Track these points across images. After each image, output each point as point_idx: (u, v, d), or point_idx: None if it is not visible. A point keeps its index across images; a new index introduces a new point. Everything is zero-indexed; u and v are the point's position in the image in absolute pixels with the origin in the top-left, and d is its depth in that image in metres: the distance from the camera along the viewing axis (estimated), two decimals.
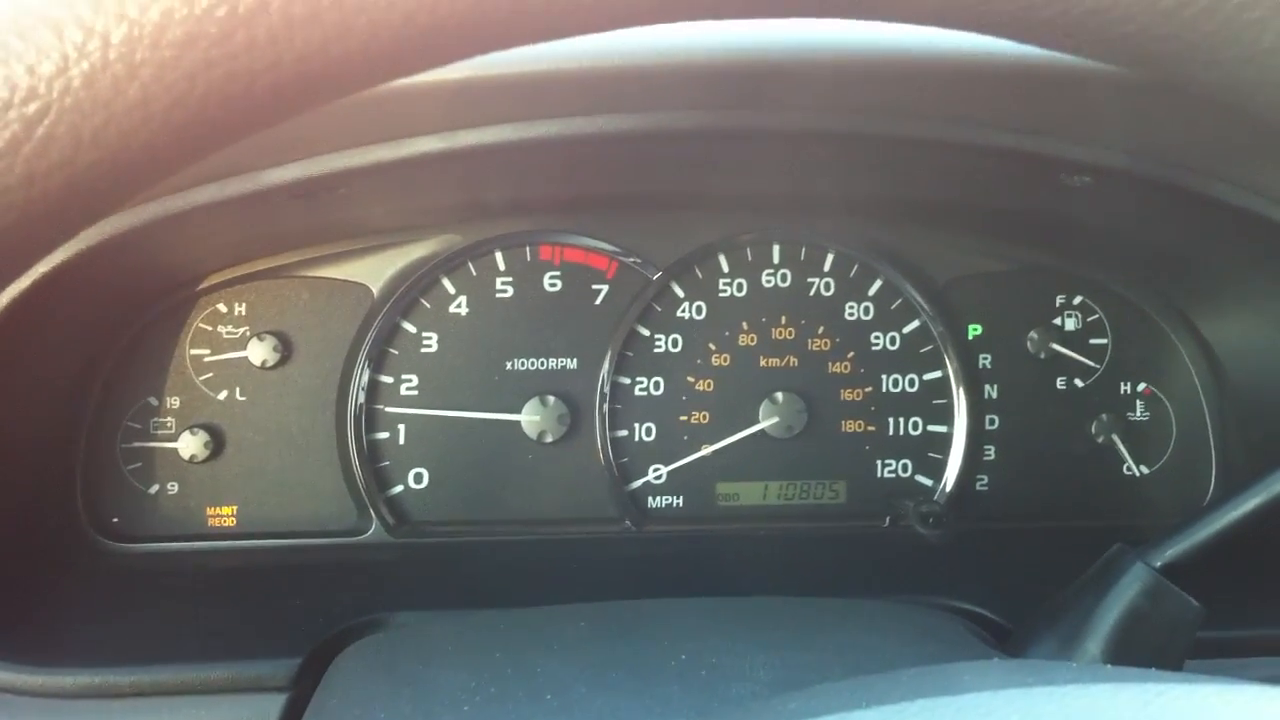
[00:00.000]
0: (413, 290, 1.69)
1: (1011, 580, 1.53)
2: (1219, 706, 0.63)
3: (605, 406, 1.73)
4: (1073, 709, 0.63)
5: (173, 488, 1.68)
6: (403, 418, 1.71)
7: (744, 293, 1.76)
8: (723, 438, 1.75)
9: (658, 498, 1.76)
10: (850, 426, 1.78)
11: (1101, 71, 1.15)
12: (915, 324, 1.77)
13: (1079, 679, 0.71)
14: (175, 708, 1.24)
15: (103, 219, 0.53)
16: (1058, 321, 1.79)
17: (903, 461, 1.79)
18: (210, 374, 1.67)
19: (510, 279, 1.72)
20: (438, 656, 1.11)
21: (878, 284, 1.76)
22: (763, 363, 1.76)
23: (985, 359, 1.78)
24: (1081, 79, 1.17)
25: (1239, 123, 1.20)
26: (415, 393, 1.71)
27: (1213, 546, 1.18)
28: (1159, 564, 1.17)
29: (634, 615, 1.19)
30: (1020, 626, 1.27)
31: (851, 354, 1.77)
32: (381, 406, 1.71)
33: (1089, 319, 1.79)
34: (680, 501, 1.77)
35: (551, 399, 1.71)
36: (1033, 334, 1.78)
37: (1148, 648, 1.15)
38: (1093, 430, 1.79)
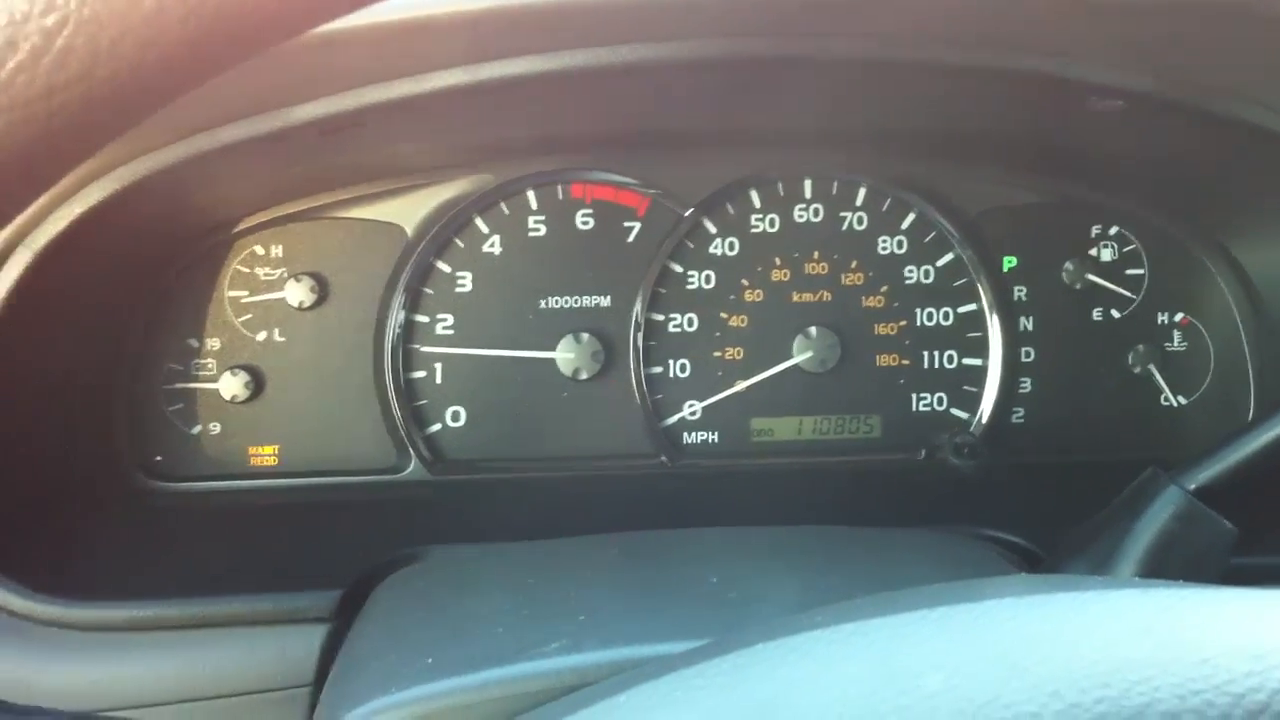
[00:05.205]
0: (446, 230, 1.70)
1: (1047, 511, 1.52)
2: (1248, 609, 0.63)
3: (639, 343, 1.73)
4: (1097, 610, 0.63)
5: (215, 428, 1.70)
6: (439, 357, 1.73)
7: (776, 228, 1.75)
8: (757, 373, 1.75)
9: (692, 433, 1.77)
10: (884, 360, 1.77)
11: None
12: (949, 257, 1.76)
13: (1106, 587, 0.72)
14: (220, 639, 1.27)
15: (123, 134, 0.54)
16: (1093, 252, 1.77)
17: (938, 395, 1.78)
18: (249, 315, 1.69)
19: (543, 218, 1.72)
20: (474, 584, 1.13)
21: (911, 217, 1.75)
22: (796, 298, 1.75)
23: (1020, 291, 1.77)
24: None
25: (1268, 44, 1.19)
26: (451, 332, 1.72)
27: (1247, 470, 1.18)
28: (1192, 486, 1.17)
29: (666, 542, 1.20)
30: (1052, 551, 1.27)
31: (885, 288, 1.76)
32: (418, 346, 1.72)
33: (1125, 249, 1.77)
34: (715, 437, 1.77)
35: (585, 336, 1.72)
36: (1068, 265, 1.76)
37: (1180, 570, 1.14)
38: (1129, 361, 1.78)
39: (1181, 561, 1.15)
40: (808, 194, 1.75)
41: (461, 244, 1.71)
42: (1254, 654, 0.56)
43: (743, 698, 0.62)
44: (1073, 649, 0.58)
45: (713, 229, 1.74)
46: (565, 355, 1.72)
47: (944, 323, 1.77)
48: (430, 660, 0.94)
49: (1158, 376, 1.78)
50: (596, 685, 0.81)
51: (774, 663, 0.65)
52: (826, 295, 1.75)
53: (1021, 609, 0.65)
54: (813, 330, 1.74)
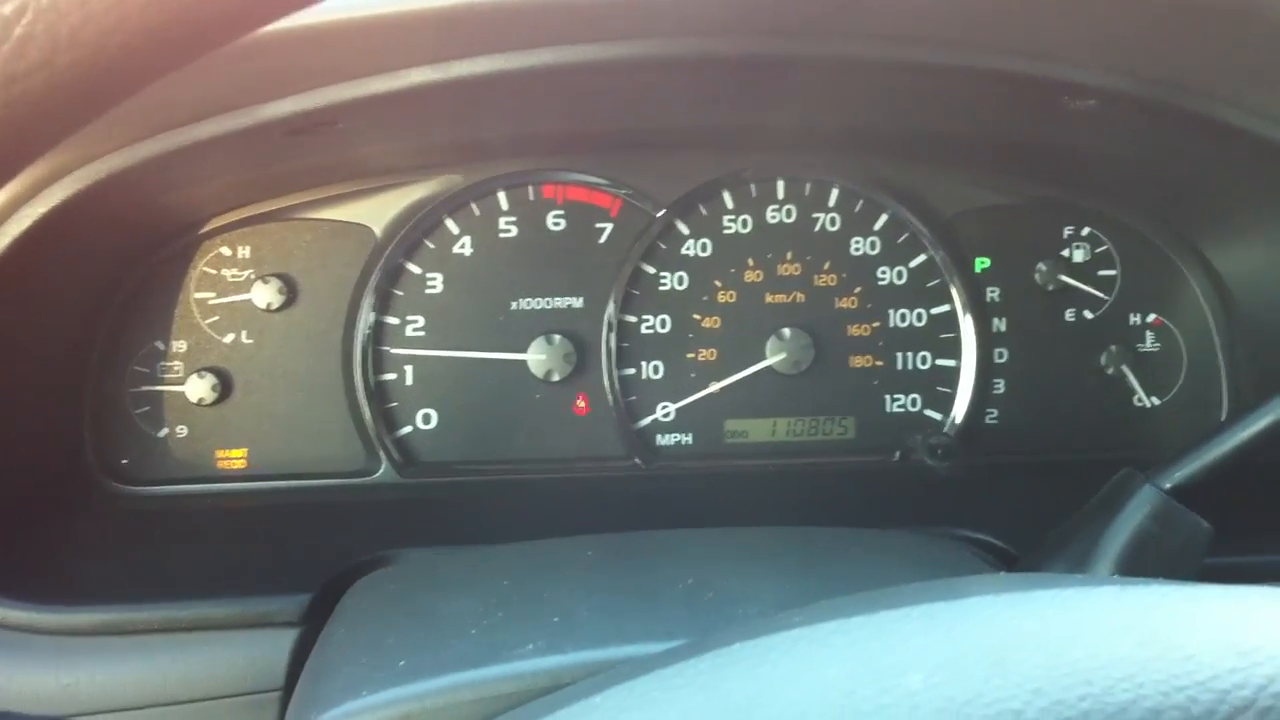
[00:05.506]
0: (415, 231, 1.68)
1: (1022, 512, 1.52)
2: (1231, 607, 0.62)
3: (611, 345, 1.72)
4: (1080, 607, 0.63)
5: (181, 431, 1.68)
6: (410, 359, 1.71)
7: (749, 229, 1.74)
8: (730, 375, 1.75)
9: (666, 435, 1.76)
10: (858, 362, 1.77)
11: None
12: (922, 258, 1.76)
13: (1088, 584, 0.71)
14: (188, 644, 1.25)
15: (87, 124, 0.53)
16: (1066, 253, 1.78)
17: (911, 396, 1.78)
18: (216, 317, 1.67)
19: (514, 218, 1.71)
20: (447, 587, 1.11)
21: (884, 218, 1.75)
22: (769, 299, 1.75)
23: (993, 292, 1.77)
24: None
25: (1245, 44, 1.19)
26: (422, 334, 1.71)
27: (1221, 468, 1.18)
28: (1168, 486, 1.17)
29: (641, 543, 1.19)
30: (1029, 552, 1.27)
31: (858, 289, 1.76)
32: (388, 348, 1.70)
33: (1097, 250, 1.78)
34: (689, 439, 1.76)
35: (557, 338, 1.70)
36: (1041, 266, 1.76)
37: (1156, 569, 1.14)
38: (1102, 362, 1.78)
39: (1157, 560, 1.15)
40: (781, 195, 1.74)
41: (432, 245, 1.70)
42: (1238, 651, 0.56)
43: (722, 698, 0.61)
44: (1056, 646, 0.57)
45: (685, 230, 1.73)
46: (537, 357, 1.71)
47: (917, 324, 1.77)
48: (402, 663, 0.93)
49: (1130, 377, 1.78)
50: (572, 686, 0.80)
51: (754, 662, 0.64)
52: (800, 296, 1.75)
53: (1003, 607, 0.64)
54: (786, 332, 1.74)
